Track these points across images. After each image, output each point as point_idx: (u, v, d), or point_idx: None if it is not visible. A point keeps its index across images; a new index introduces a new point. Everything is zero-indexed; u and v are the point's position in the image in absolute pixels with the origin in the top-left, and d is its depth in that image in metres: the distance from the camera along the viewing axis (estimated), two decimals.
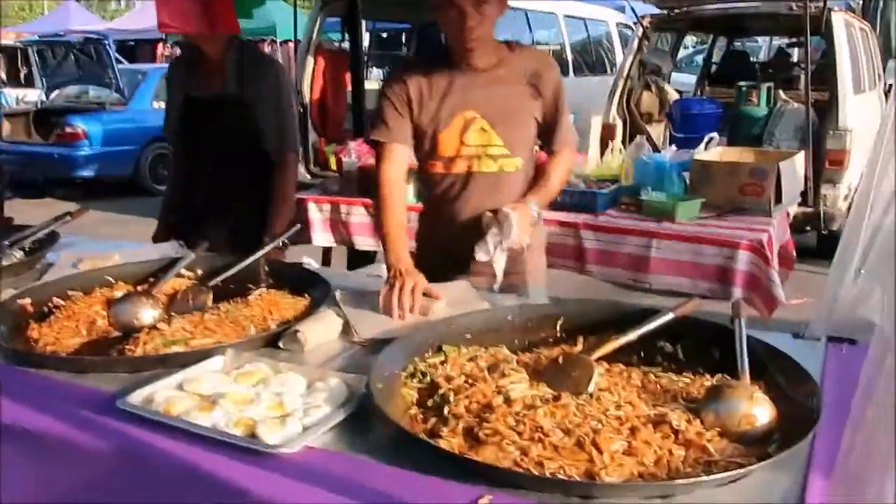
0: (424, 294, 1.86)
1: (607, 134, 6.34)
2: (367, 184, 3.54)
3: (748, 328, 1.51)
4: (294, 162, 2.76)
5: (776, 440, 1.23)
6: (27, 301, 1.91)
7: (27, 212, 2.54)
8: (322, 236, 3.81)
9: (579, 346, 1.63)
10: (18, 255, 2.43)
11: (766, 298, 2.83)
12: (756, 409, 1.26)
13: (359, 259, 4.28)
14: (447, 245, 2.23)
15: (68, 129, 9.58)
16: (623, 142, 5.47)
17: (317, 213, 3.75)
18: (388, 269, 1.99)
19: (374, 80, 8.95)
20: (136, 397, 1.38)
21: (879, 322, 1.41)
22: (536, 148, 2.37)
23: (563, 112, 2.23)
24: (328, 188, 4.14)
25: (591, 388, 1.37)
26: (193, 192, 2.85)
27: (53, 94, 11.22)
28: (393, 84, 2.21)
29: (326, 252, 4.33)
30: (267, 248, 2.17)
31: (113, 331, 1.83)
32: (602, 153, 4.27)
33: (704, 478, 1.12)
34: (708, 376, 1.47)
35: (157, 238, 2.94)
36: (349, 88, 6.92)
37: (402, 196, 2.21)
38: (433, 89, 2.15)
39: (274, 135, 2.70)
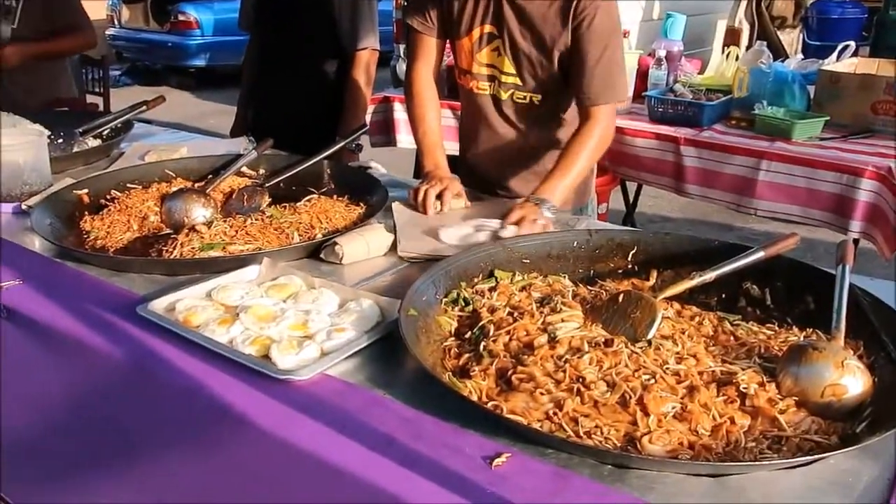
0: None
1: (731, 40, 5.79)
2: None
3: (857, 273, 1.27)
4: (367, 60, 2.58)
5: (867, 418, 1.02)
6: (84, 191, 1.87)
7: (141, 99, 2.56)
8: (407, 138, 3.65)
9: (651, 282, 1.44)
10: (93, 142, 2.42)
11: (888, 235, 2.49)
12: (847, 377, 1.06)
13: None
14: (466, 158, 2.09)
15: (181, 18, 9.72)
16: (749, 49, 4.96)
17: (402, 114, 3.58)
18: (425, 174, 1.88)
19: None
20: (160, 304, 1.31)
21: None
22: None
23: (593, 58, 1.79)
24: None
25: (650, 334, 1.19)
26: (268, 87, 2.74)
27: None
28: None
29: None
30: (329, 150, 2.05)
31: (164, 228, 1.78)
32: None
33: (769, 460, 0.93)
34: (796, 330, 1.26)
35: (234, 132, 2.89)
36: None
37: (434, 94, 2.03)
38: None
39: (348, 29, 2.53)
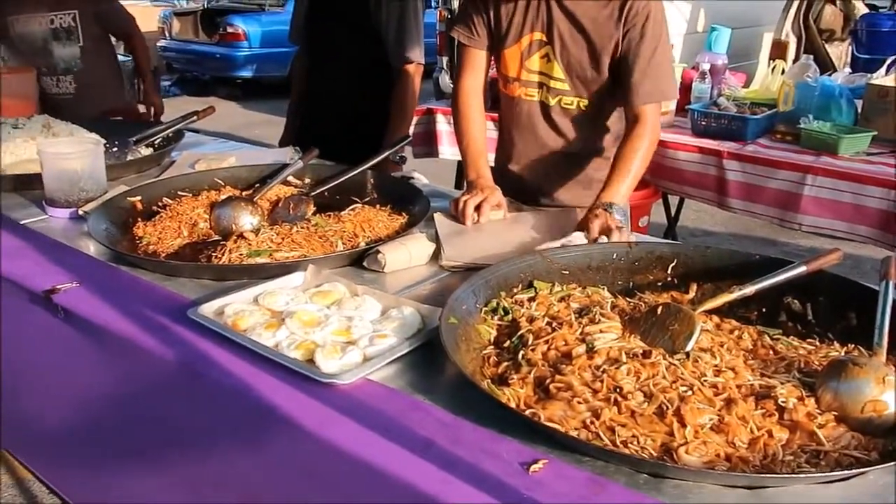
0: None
1: (777, 53, 5.71)
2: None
3: None
4: (413, 73, 2.62)
5: None
6: (137, 198, 1.94)
7: (190, 109, 2.65)
8: (449, 149, 3.69)
9: (691, 295, 1.45)
10: (146, 151, 2.49)
11: None
12: (888, 393, 1.05)
13: None
14: (506, 168, 2.11)
15: (229, 30, 9.95)
16: (795, 63, 4.89)
17: (445, 125, 3.63)
18: (467, 184, 1.91)
19: None
20: (210, 308, 1.36)
21: None
22: None
23: (645, 58, 1.82)
24: None
25: (689, 347, 1.19)
26: (314, 98, 2.80)
27: None
28: None
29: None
30: (373, 160, 2.09)
31: (213, 234, 1.84)
32: None
33: (806, 473, 0.94)
34: (837, 345, 1.26)
35: (283, 142, 2.95)
36: None
37: (480, 107, 2.07)
38: None
39: (394, 42, 2.58)
